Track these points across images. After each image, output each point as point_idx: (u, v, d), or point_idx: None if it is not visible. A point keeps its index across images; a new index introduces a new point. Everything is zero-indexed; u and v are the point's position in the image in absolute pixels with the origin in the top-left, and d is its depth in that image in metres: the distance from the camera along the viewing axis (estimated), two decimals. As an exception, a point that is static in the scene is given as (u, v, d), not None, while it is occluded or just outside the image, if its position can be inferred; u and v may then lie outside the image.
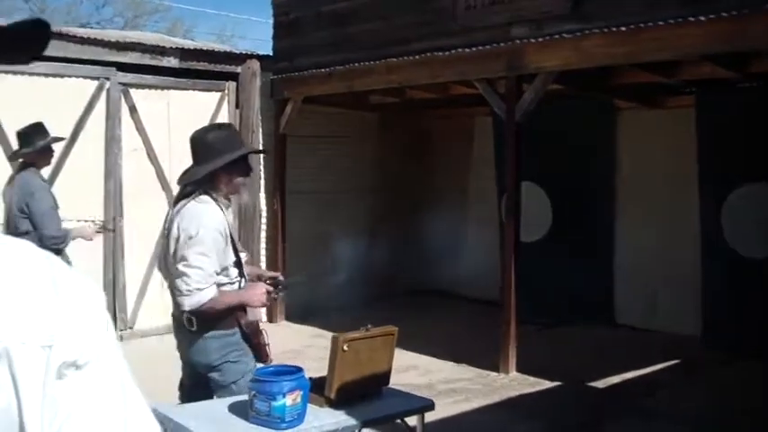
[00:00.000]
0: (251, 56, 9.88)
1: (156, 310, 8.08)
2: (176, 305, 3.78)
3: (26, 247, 1.03)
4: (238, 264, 3.84)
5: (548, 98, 7.72)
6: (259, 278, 4.11)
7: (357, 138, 10.90)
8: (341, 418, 3.16)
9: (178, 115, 8.83)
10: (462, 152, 11.35)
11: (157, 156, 8.90)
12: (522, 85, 7.49)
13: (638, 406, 6.50)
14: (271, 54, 10.06)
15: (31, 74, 8.08)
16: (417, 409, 3.43)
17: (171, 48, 9.28)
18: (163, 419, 3.13)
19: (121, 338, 8.60)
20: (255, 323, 3.85)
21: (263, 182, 9.88)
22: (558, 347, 8.38)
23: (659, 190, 9.01)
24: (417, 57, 8.07)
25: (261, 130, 9.79)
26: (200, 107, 9.02)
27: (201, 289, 3.58)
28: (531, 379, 7.18)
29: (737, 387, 6.96)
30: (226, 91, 9.61)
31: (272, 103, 9.87)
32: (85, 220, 8.30)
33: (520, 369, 7.38)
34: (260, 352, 3.79)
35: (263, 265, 9.88)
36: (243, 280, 3.88)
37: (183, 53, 9.32)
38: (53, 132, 6.27)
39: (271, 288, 3.89)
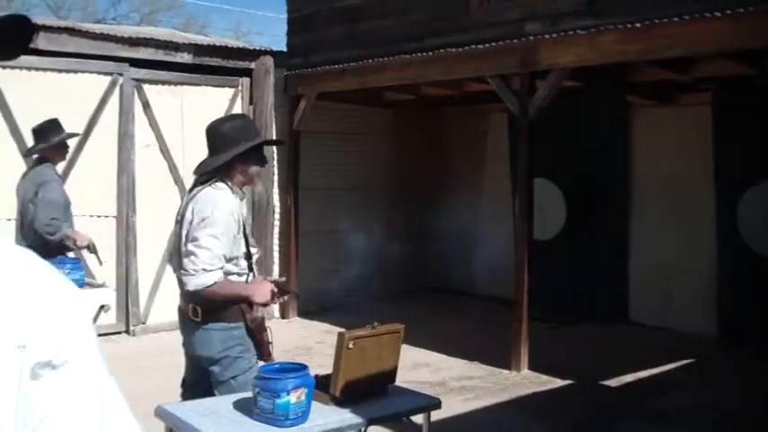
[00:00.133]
0: (265, 52, 9.87)
1: (168, 305, 8.03)
2: (182, 289, 3.79)
3: (3, 246, 1.01)
4: (249, 257, 3.83)
5: (562, 95, 7.66)
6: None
7: (371, 134, 10.87)
8: (346, 416, 3.14)
9: (191, 111, 8.83)
10: (477, 149, 11.30)
11: (170, 151, 8.92)
12: (536, 82, 7.44)
13: (650, 406, 6.43)
14: (285, 50, 10.05)
15: (44, 70, 8.13)
16: (423, 408, 3.40)
17: (184, 43, 9.28)
18: (166, 416, 3.12)
19: (134, 333, 8.65)
20: (261, 319, 3.83)
21: (276, 177, 9.87)
22: (571, 346, 8.32)
23: (674, 187, 8.94)
24: (431, 53, 8.04)
25: (274, 126, 9.78)
26: (213, 103, 9.02)
27: (208, 270, 3.58)
28: (543, 377, 7.14)
29: (753, 388, 6.88)
30: (239, 87, 9.60)
31: (285, 100, 9.85)
32: (98, 216, 8.40)
33: (532, 367, 7.34)
34: (262, 349, 3.78)
35: (276, 260, 9.90)
36: (252, 275, 3.87)
37: (197, 49, 9.32)
38: (66, 128, 6.31)
39: (276, 289, 3.87)
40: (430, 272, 11.35)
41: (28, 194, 5.87)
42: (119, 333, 8.64)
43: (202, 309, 3.72)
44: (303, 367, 3.08)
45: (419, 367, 7.50)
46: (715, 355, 7.92)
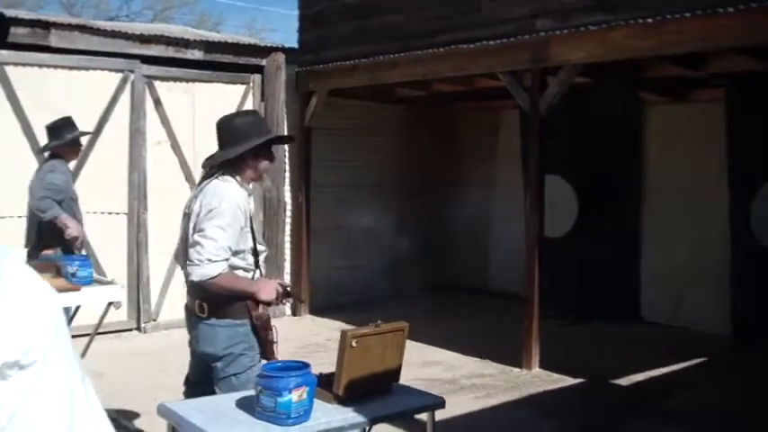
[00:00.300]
0: (276, 48, 9.85)
1: (179, 302, 8.03)
2: (188, 284, 3.78)
3: None
4: (256, 253, 3.81)
5: (574, 91, 7.62)
6: None
7: (382, 131, 10.85)
8: (349, 414, 3.11)
9: (202, 108, 8.83)
10: (488, 146, 11.26)
11: (182, 148, 8.92)
12: (547, 78, 7.40)
13: (661, 405, 6.38)
14: (296, 46, 10.03)
15: (56, 67, 8.16)
16: (427, 407, 3.37)
17: (195, 40, 9.28)
18: (168, 414, 3.11)
19: (145, 330, 8.66)
20: (266, 318, 3.81)
21: (287, 175, 9.87)
22: (582, 344, 8.28)
23: (687, 185, 8.87)
24: (442, 49, 8.01)
25: (286, 123, 9.77)
26: (224, 100, 9.00)
27: (213, 261, 3.56)
28: (554, 375, 7.10)
29: (766, 389, 6.82)
30: (251, 84, 9.59)
31: (296, 96, 9.85)
32: (110, 212, 8.42)
33: (543, 365, 7.30)
34: (266, 348, 3.75)
35: (288, 257, 9.90)
36: (259, 272, 3.85)
37: (208, 45, 9.32)
38: (78, 125, 6.33)
39: (281, 290, 3.85)
40: (442, 269, 11.32)
41: (35, 185, 5.90)
42: (130, 330, 8.66)
43: (208, 304, 3.71)
44: (305, 366, 3.05)
45: (431, 365, 7.48)
46: (728, 355, 7.85)
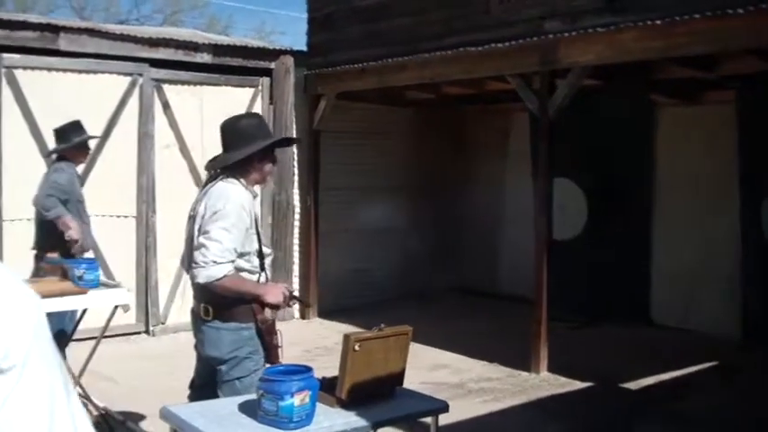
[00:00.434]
0: (285, 51, 9.85)
1: (187, 305, 8.05)
2: (194, 287, 3.77)
3: None
4: (261, 255, 3.80)
5: (584, 93, 7.58)
6: None
7: (392, 134, 10.84)
8: (351, 418, 3.09)
9: (211, 111, 8.81)
10: (498, 148, 11.23)
11: (190, 151, 8.92)
12: (556, 81, 7.37)
13: (670, 409, 6.34)
14: (305, 49, 10.03)
15: (65, 70, 8.18)
16: (430, 411, 3.35)
17: (204, 44, 9.29)
18: (171, 417, 3.10)
19: (153, 334, 8.67)
20: (272, 322, 3.79)
21: (296, 177, 9.86)
22: (591, 347, 8.24)
23: (698, 187, 8.82)
24: (450, 52, 7.99)
25: (294, 126, 9.77)
26: (233, 103, 8.99)
27: (218, 262, 3.55)
28: (563, 379, 7.07)
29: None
30: (259, 87, 9.59)
31: (305, 99, 9.84)
32: (118, 216, 8.43)
33: (551, 369, 7.27)
34: (270, 353, 3.73)
35: (296, 260, 9.90)
36: (264, 275, 3.84)
37: (217, 49, 9.33)
38: (87, 128, 6.34)
39: (287, 293, 3.84)
40: (451, 272, 11.29)
41: (42, 187, 5.91)
42: (138, 333, 8.67)
43: (213, 308, 3.70)
44: (307, 369, 3.04)
45: (438, 368, 7.46)
46: (738, 358, 7.80)
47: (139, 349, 8.19)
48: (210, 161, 3.98)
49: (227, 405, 3.20)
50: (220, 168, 3.83)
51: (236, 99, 9.16)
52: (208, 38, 10.00)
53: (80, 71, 8.26)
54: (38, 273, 5.88)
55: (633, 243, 9.32)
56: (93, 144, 7.41)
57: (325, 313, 9.76)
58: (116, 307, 5.40)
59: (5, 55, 7.85)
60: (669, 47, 6.38)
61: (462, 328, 9.06)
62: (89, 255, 6.20)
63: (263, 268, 3.83)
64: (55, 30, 8.17)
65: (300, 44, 10.24)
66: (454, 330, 8.85)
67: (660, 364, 7.43)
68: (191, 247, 3.77)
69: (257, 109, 9.44)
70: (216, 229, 3.59)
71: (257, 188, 3.94)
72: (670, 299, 9.09)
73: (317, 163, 9.83)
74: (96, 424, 5.47)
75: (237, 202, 3.66)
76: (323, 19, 9.84)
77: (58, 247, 5.76)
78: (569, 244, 9.34)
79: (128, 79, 8.58)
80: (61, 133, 6.12)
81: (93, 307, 5.43)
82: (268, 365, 3.59)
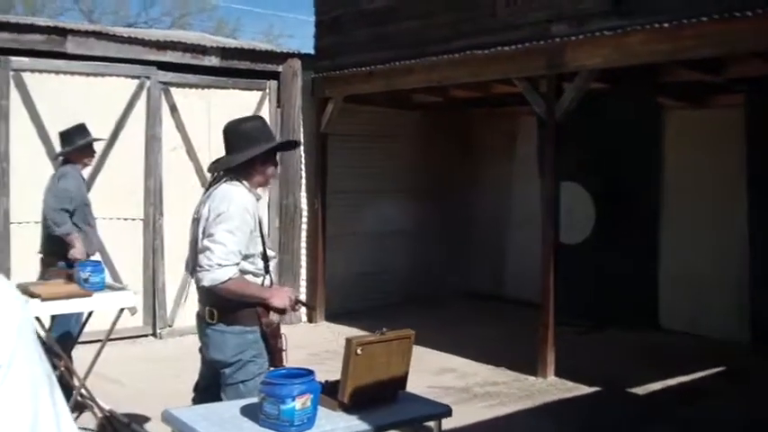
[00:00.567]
0: (292, 55, 9.86)
1: (195, 308, 8.08)
2: (199, 291, 3.78)
3: None
4: (265, 258, 3.79)
5: (591, 97, 7.56)
6: None
7: (399, 137, 10.83)
8: (353, 422, 3.08)
9: (218, 114, 8.80)
10: (505, 152, 11.21)
11: (197, 154, 8.93)
12: (563, 84, 7.35)
13: (678, 415, 6.30)
14: (312, 53, 10.04)
15: (72, 73, 8.20)
16: (433, 415, 3.33)
17: (212, 47, 9.30)
18: (173, 420, 3.09)
19: (161, 336, 8.67)
20: (276, 325, 3.79)
21: (304, 181, 9.86)
22: (599, 352, 8.20)
23: (706, 191, 8.78)
24: (457, 55, 7.97)
25: (302, 129, 9.77)
26: (241, 106, 8.98)
27: (223, 265, 3.54)
28: (569, 384, 7.03)
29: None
30: (267, 90, 9.60)
31: (313, 102, 9.84)
32: (125, 218, 8.45)
33: (558, 373, 7.24)
34: (275, 356, 3.73)
35: (303, 263, 9.90)
36: (269, 277, 3.83)
37: (224, 52, 9.34)
38: (93, 131, 6.35)
39: (293, 297, 3.84)
40: (458, 275, 11.26)
41: (48, 191, 5.93)
42: (145, 336, 8.68)
43: (218, 311, 3.70)
44: (309, 373, 3.03)
45: (444, 373, 7.44)
46: (747, 363, 7.75)
47: (146, 352, 8.20)
48: (213, 163, 3.98)
49: (229, 408, 3.20)
50: (223, 171, 3.83)
51: (243, 102, 9.18)
52: (215, 41, 10.01)
53: (88, 74, 8.28)
54: (44, 276, 5.90)
55: (641, 246, 9.28)
56: (99, 146, 7.45)
57: (333, 317, 9.75)
58: (122, 309, 5.41)
59: (13, 58, 7.88)
60: (676, 50, 6.35)
61: (469, 332, 9.04)
62: (95, 258, 6.20)
63: (267, 271, 3.83)
64: (62, 33, 8.20)
65: (308, 47, 10.26)
66: (461, 334, 8.83)
67: (668, 369, 7.39)
68: (195, 250, 3.77)
69: (264, 112, 9.45)
70: (220, 232, 3.58)
71: (260, 190, 3.93)
72: (678, 302, 9.04)
73: (325, 166, 9.83)
74: (101, 426, 5.49)
75: (241, 204, 3.66)
76: (330, 22, 9.85)
77: (60, 257, 5.78)
78: (577, 248, 9.31)
79: (135, 82, 8.61)
80: (66, 136, 6.14)
81: (99, 309, 5.44)
82: (272, 369, 3.58)
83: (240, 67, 9.43)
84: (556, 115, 7.25)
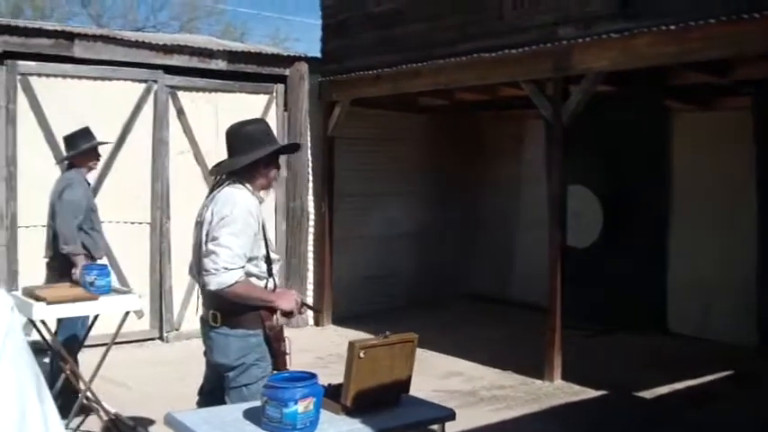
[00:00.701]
0: (299, 58, 9.86)
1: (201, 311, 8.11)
2: (203, 295, 3.77)
3: None
4: (268, 260, 3.78)
5: (599, 100, 7.54)
6: None
7: (406, 140, 10.82)
8: (356, 425, 3.07)
9: (226, 118, 8.73)
10: (513, 155, 11.19)
11: (205, 158, 8.93)
12: (570, 87, 7.32)
13: (686, 419, 6.26)
14: (319, 56, 10.04)
15: (79, 77, 8.22)
16: (437, 419, 3.32)
17: (219, 50, 9.31)
18: (175, 424, 3.08)
19: (167, 340, 8.68)
20: (279, 328, 3.78)
21: (311, 184, 9.86)
22: (606, 355, 8.18)
23: (715, 194, 8.74)
24: (464, 58, 7.96)
25: (309, 132, 9.77)
26: (247, 110, 8.97)
27: (229, 269, 3.53)
28: (576, 387, 7.00)
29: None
30: (274, 93, 9.61)
31: (320, 106, 9.85)
32: (132, 222, 8.46)
33: (565, 377, 7.21)
34: (278, 360, 3.71)
35: (311, 266, 9.89)
36: (272, 280, 3.82)
37: (231, 56, 9.35)
38: (100, 134, 6.36)
39: (300, 300, 3.83)
40: (466, 278, 11.24)
41: (54, 197, 5.94)
42: (152, 339, 8.68)
43: (221, 314, 3.69)
44: (312, 376, 3.02)
45: (451, 376, 7.42)
46: (756, 366, 7.70)
47: (153, 355, 8.21)
48: (215, 166, 3.97)
49: (232, 412, 3.19)
50: (226, 173, 3.82)
51: (250, 106, 9.17)
52: (222, 44, 10.03)
53: (95, 78, 8.30)
54: (50, 279, 5.91)
55: (649, 250, 9.25)
56: (106, 150, 7.47)
57: (340, 320, 9.74)
58: (127, 313, 5.41)
59: (21, 62, 7.90)
60: (683, 52, 6.32)
61: (475, 335, 9.02)
62: (101, 261, 6.21)
63: (270, 273, 3.82)
64: (70, 37, 8.22)
65: (315, 51, 10.27)
66: (467, 337, 8.82)
67: (676, 373, 7.35)
68: (198, 254, 3.76)
69: (271, 115, 9.46)
70: (225, 236, 3.57)
71: (263, 193, 3.92)
72: (686, 306, 9.00)
73: (332, 170, 9.83)
74: (106, 429, 5.49)
75: (244, 207, 3.65)
76: (337, 25, 9.86)
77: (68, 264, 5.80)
78: (584, 251, 9.28)
79: (142, 86, 8.62)
80: (70, 140, 6.14)
81: (105, 313, 5.43)
82: (275, 372, 3.57)
83: (247, 70, 9.44)
84: (562, 118, 7.23)
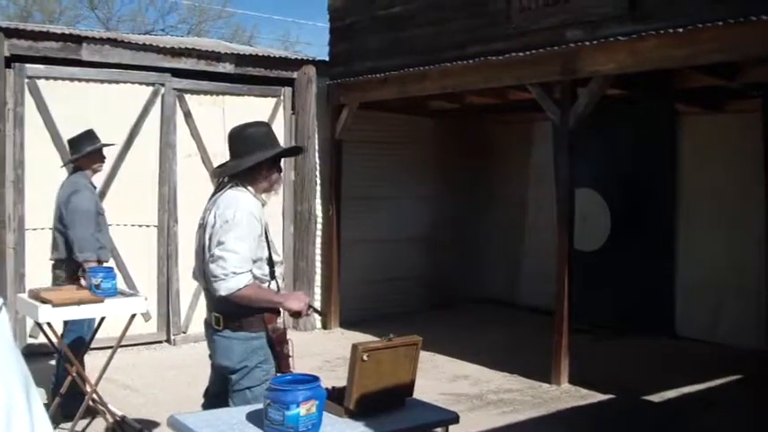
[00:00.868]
0: (307, 61, 9.86)
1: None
2: (207, 299, 3.77)
3: None
4: (271, 263, 3.77)
5: (606, 103, 7.51)
6: None
7: (414, 143, 10.81)
8: (359, 429, 3.05)
9: (233, 121, 8.72)
10: (521, 158, 11.17)
11: (212, 161, 8.92)
12: (577, 90, 7.30)
13: (694, 423, 6.22)
14: (327, 59, 10.03)
15: (87, 80, 8.24)
16: (440, 422, 3.30)
17: (226, 53, 9.32)
18: (178, 426, 3.08)
19: (175, 343, 8.68)
20: (282, 331, 3.77)
21: (318, 187, 9.85)
22: (614, 359, 8.15)
23: (723, 197, 8.70)
24: (471, 61, 7.94)
25: (317, 135, 9.77)
26: (255, 113, 8.97)
27: (238, 273, 3.53)
28: (584, 391, 6.97)
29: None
30: (281, 97, 9.61)
31: (327, 109, 9.84)
32: (140, 225, 8.47)
33: (572, 381, 7.18)
34: (281, 362, 3.71)
35: (318, 270, 9.89)
36: (275, 283, 3.81)
37: (239, 59, 9.35)
38: (108, 137, 6.36)
39: (307, 300, 3.82)
40: (473, 282, 11.22)
41: (61, 202, 5.94)
42: (160, 342, 8.69)
43: (224, 317, 3.69)
44: (314, 379, 3.00)
45: (458, 379, 7.40)
46: (764, 370, 7.64)
47: (160, 358, 8.21)
48: (218, 168, 3.96)
49: (234, 414, 3.18)
50: (229, 176, 3.82)
51: (258, 109, 9.18)
52: (230, 48, 10.04)
53: (102, 81, 8.32)
54: (56, 281, 5.91)
55: (658, 254, 9.20)
56: (114, 153, 7.47)
57: (347, 324, 9.73)
58: (133, 315, 5.41)
59: (28, 65, 7.92)
60: (691, 55, 6.28)
61: (484, 338, 9.00)
62: (108, 264, 6.21)
63: (272, 276, 3.81)
64: (77, 40, 8.24)
65: (325, 54, 10.25)
66: (476, 341, 8.80)
67: (684, 377, 7.32)
68: (202, 257, 3.75)
69: (279, 119, 9.47)
70: (231, 240, 3.56)
71: (265, 196, 3.91)
72: (695, 310, 8.95)
73: (339, 173, 9.82)
74: (112, 431, 5.49)
75: (247, 209, 3.64)
76: (345, 29, 9.85)
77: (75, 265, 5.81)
78: (593, 255, 9.24)
79: (150, 89, 8.63)
80: (74, 143, 6.14)
81: (110, 315, 5.44)
82: (278, 375, 3.56)
83: (255, 73, 9.44)
84: (570, 121, 7.20)
